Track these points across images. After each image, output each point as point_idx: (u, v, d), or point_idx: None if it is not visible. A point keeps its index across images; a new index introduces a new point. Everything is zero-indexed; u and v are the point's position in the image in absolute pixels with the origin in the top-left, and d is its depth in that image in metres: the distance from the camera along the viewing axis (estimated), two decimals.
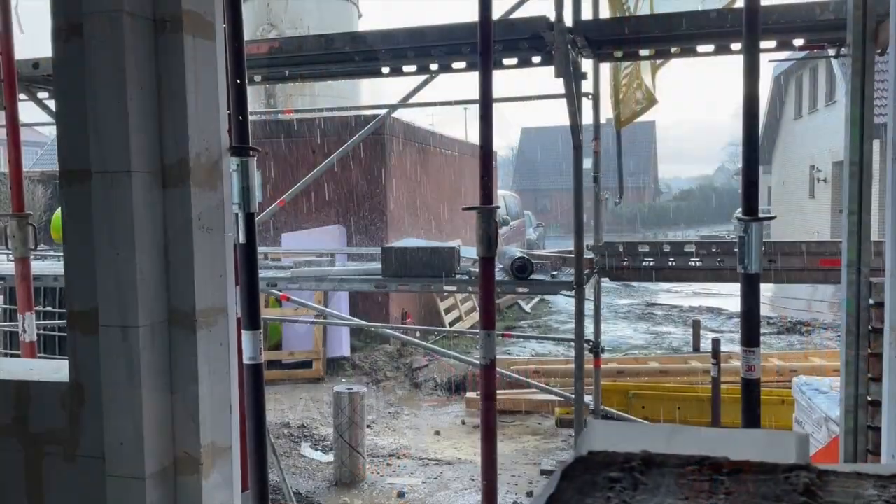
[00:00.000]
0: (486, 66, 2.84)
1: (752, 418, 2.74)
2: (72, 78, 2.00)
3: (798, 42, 3.92)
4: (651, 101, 5.56)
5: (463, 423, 7.09)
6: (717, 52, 4.14)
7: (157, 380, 2.04)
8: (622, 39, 4.01)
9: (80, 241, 2.04)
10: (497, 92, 3.01)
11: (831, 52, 3.77)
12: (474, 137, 16.68)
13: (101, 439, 2.06)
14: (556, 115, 46.84)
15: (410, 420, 7.30)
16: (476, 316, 12.45)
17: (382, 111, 6.39)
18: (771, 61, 9.84)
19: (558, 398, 5.82)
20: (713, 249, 4.96)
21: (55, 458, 2.16)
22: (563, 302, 15.47)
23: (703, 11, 3.87)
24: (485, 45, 2.83)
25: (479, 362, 3.05)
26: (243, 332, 2.50)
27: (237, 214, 2.38)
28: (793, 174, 25.63)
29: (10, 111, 3.23)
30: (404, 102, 5.71)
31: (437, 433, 6.79)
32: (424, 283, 4.69)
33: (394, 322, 9.57)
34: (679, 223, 43.53)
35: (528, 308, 14.29)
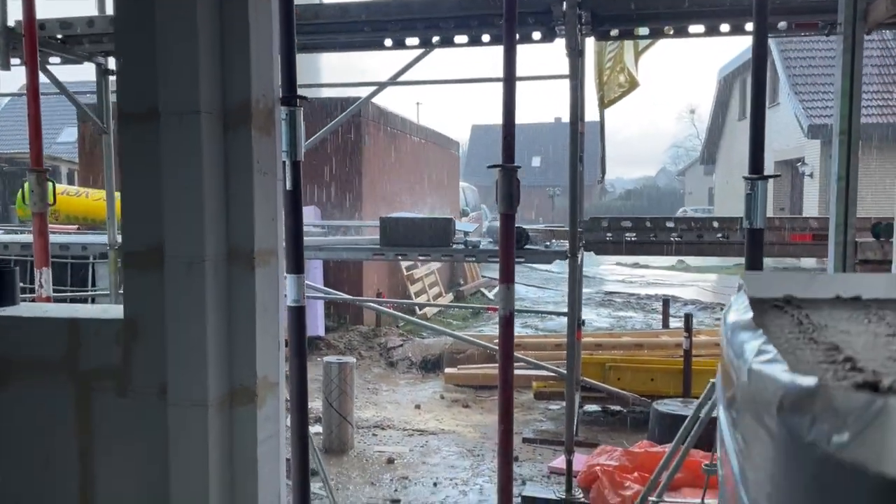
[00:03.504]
0: (510, 33, 3.02)
1: None
2: (138, 21, 2.07)
3: (782, 25, 4.21)
4: (633, 84, 5.80)
5: (441, 397, 7.24)
6: (707, 34, 4.38)
7: (217, 313, 2.12)
8: (625, 16, 4.21)
9: (141, 180, 2.11)
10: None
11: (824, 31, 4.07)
12: (425, 122, 16.87)
13: (155, 373, 2.13)
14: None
15: (390, 395, 7.42)
16: (441, 300, 12.65)
17: (354, 90, 6.45)
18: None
19: (541, 372, 6.02)
20: (693, 224, 5.23)
21: (107, 393, 2.21)
22: (524, 290, 15.79)
23: None
24: (510, 13, 2.99)
25: (498, 317, 3.20)
26: (288, 275, 2.60)
27: (284, 162, 2.48)
28: (736, 174, 26.45)
29: (31, 67, 3.23)
30: (393, 81, 5.80)
31: (418, 407, 6.92)
32: (423, 251, 4.81)
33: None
34: None
35: (490, 295, 14.53)
